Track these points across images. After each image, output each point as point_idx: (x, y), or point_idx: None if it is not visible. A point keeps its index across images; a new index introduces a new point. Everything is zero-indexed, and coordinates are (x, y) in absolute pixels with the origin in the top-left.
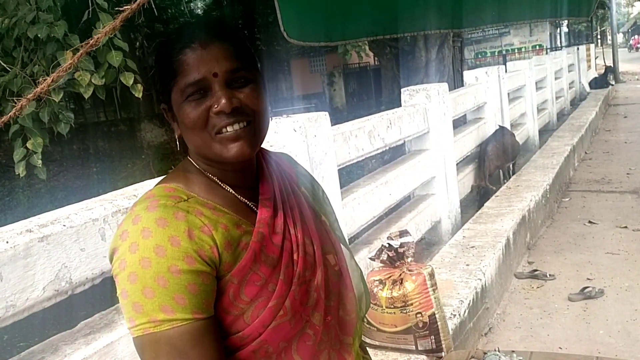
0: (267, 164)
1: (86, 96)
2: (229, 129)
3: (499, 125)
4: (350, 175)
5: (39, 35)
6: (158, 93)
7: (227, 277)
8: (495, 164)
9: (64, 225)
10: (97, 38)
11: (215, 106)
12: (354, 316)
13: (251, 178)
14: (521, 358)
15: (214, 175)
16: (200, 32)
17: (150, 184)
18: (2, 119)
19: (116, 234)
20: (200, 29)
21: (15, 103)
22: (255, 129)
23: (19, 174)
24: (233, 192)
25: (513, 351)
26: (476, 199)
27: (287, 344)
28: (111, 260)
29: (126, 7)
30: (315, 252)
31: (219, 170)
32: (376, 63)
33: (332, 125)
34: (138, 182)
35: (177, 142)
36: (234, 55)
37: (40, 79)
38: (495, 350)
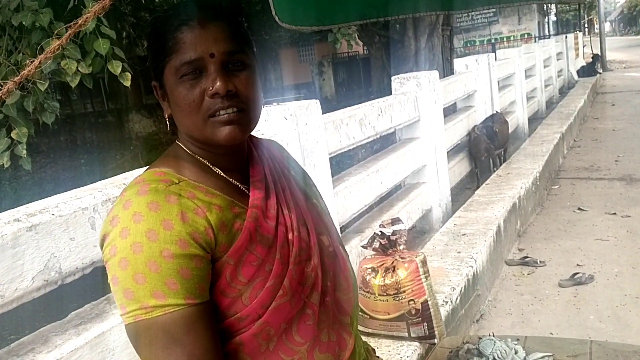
0: (257, 149)
1: (73, 85)
2: (222, 112)
3: (496, 111)
4: (339, 165)
5: (24, 23)
6: (150, 70)
7: (223, 259)
8: (485, 146)
9: (53, 215)
10: (86, 18)
11: (210, 88)
12: (350, 296)
13: (241, 162)
14: (516, 342)
15: (205, 159)
16: (199, 11)
17: (140, 171)
18: None
19: (106, 220)
20: (199, 7)
21: (1, 87)
22: (248, 115)
23: (2, 165)
24: (224, 175)
25: (508, 336)
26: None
27: (288, 325)
28: (102, 246)
29: None
30: (309, 232)
31: (209, 153)
32: (365, 52)
33: (322, 114)
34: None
35: (167, 122)
36: (232, 36)
37: (27, 61)
38: (490, 335)
